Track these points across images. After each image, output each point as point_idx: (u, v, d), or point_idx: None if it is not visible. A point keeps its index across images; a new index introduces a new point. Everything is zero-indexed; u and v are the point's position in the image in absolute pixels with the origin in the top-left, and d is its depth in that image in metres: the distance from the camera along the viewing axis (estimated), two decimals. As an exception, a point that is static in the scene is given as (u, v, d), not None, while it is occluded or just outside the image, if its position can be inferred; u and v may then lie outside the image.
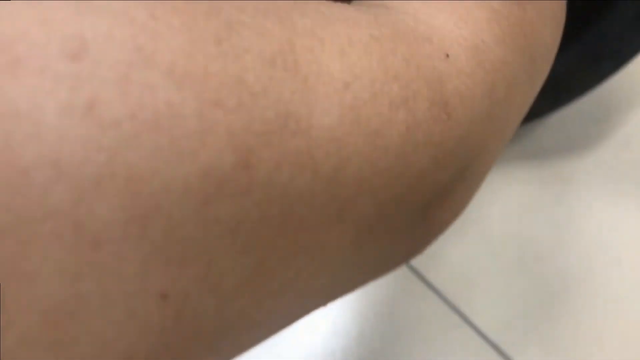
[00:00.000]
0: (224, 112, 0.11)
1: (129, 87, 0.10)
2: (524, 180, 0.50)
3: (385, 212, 0.15)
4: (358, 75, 0.13)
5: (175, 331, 0.12)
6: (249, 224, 0.12)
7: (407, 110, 0.14)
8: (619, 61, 0.45)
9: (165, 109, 0.10)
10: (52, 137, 0.09)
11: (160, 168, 0.10)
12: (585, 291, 0.47)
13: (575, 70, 0.46)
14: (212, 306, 0.12)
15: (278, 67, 0.12)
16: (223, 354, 0.14)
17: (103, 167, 0.10)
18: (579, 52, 0.46)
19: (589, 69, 0.46)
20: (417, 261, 0.47)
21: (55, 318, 0.10)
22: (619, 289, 0.47)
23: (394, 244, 0.17)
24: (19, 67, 0.09)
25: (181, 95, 0.10)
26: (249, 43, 0.12)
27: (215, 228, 0.11)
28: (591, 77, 0.46)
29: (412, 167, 0.15)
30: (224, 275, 0.12)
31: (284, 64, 0.12)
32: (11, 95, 0.09)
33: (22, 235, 0.10)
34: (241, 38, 0.12)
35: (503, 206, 0.49)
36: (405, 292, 0.46)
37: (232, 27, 0.12)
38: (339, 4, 0.15)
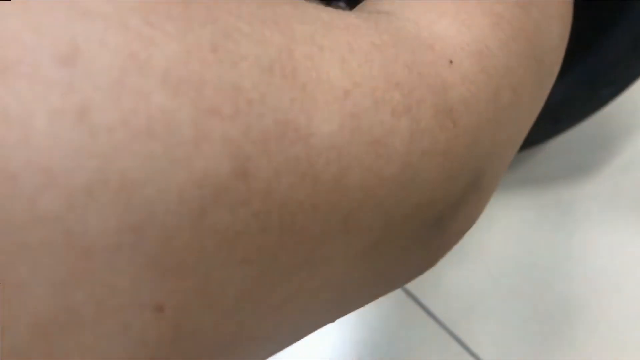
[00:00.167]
0: (220, 119, 0.11)
1: (122, 93, 0.10)
2: (523, 207, 0.50)
3: (393, 223, 0.15)
4: (359, 82, 0.13)
5: (173, 346, 0.12)
6: (248, 235, 0.12)
7: (410, 118, 0.14)
8: (617, 87, 0.45)
9: (159, 116, 0.10)
10: (42, 143, 0.09)
11: (154, 176, 0.10)
12: (585, 317, 0.46)
13: (573, 97, 0.47)
14: (211, 320, 0.12)
15: (276, 75, 0.12)
16: None
17: (95, 174, 0.10)
18: (577, 78, 0.46)
19: (587, 95, 0.46)
20: (416, 287, 0.47)
21: (45, 330, 0.10)
22: (619, 315, 0.46)
23: (406, 257, 0.17)
24: (8, 72, 0.09)
25: (176, 102, 0.10)
26: (246, 50, 0.12)
27: (213, 238, 0.11)
28: (589, 104, 0.46)
29: (418, 177, 0.14)
30: (223, 287, 0.12)
31: (282, 71, 0.12)
32: (0, 99, 0.09)
33: (11, 242, 0.09)
34: (238, 45, 0.12)
35: (502, 232, 0.49)
36: (404, 318, 0.46)
37: (229, 34, 0.12)
38: (339, 12, 0.15)
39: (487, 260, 0.48)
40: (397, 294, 0.46)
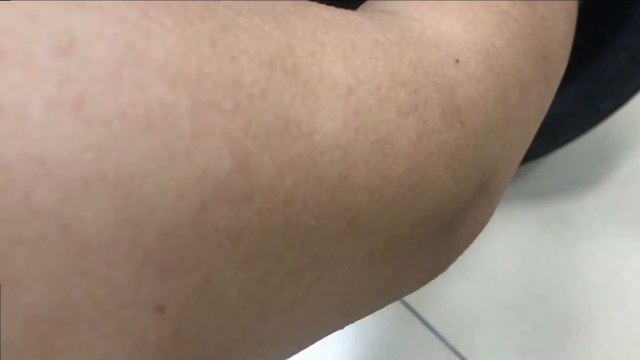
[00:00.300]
0: (220, 113, 0.11)
1: (120, 84, 0.10)
2: (524, 221, 0.50)
3: (401, 226, 0.14)
4: (362, 80, 0.13)
5: (174, 349, 0.11)
6: (250, 234, 0.11)
7: (417, 117, 0.14)
8: (616, 102, 0.45)
9: (157, 108, 0.10)
10: (37, 133, 0.09)
11: (153, 169, 0.10)
12: (586, 332, 0.46)
13: (573, 111, 0.47)
14: (213, 323, 0.12)
15: (276, 70, 0.12)
16: None
17: (91, 166, 0.09)
18: (576, 93, 0.46)
19: (587, 109, 0.46)
20: (417, 302, 0.46)
21: (41, 328, 0.10)
22: (620, 330, 0.46)
23: (415, 261, 0.16)
24: (3, 61, 0.09)
25: (174, 94, 0.10)
26: (246, 45, 0.11)
27: (214, 236, 0.11)
28: (589, 118, 0.46)
29: (426, 178, 0.14)
30: (226, 288, 0.11)
31: (283, 66, 0.12)
32: None
33: (5, 236, 0.09)
34: (237, 40, 0.11)
35: (503, 246, 0.49)
36: (404, 332, 0.46)
37: (228, 29, 0.11)
38: (342, 10, 0.15)
39: (488, 274, 0.48)
40: (397, 308, 0.46)
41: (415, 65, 0.14)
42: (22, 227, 0.09)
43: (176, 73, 0.10)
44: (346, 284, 0.14)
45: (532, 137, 0.20)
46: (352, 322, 0.16)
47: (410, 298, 0.46)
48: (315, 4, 0.14)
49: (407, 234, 0.15)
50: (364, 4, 0.18)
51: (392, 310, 0.46)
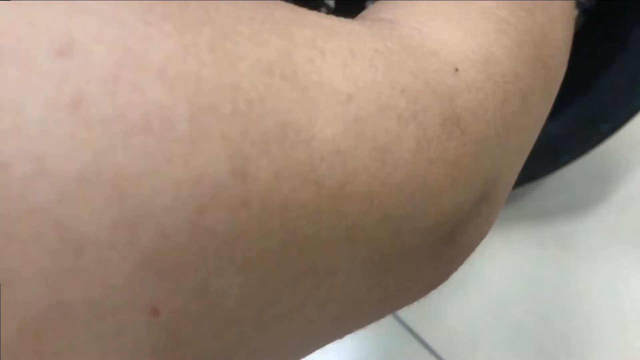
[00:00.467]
0: (218, 117, 0.11)
1: (118, 86, 0.10)
2: (524, 242, 0.50)
3: (401, 235, 0.14)
4: (362, 87, 0.13)
5: (169, 353, 0.11)
6: (248, 239, 0.11)
7: (417, 125, 0.14)
8: (616, 123, 0.45)
9: (155, 111, 0.10)
10: (35, 132, 0.09)
11: (150, 171, 0.10)
12: (587, 354, 0.46)
13: (572, 132, 0.47)
14: (210, 328, 0.12)
15: (275, 76, 0.12)
16: None
17: (88, 166, 0.09)
18: (576, 114, 0.46)
19: (587, 130, 0.46)
20: (416, 322, 0.46)
21: (36, 329, 0.10)
22: (621, 352, 0.46)
23: (416, 270, 0.16)
24: (2, 60, 0.09)
25: (173, 97, 0.10)
26: (244, 51, 0.12)
27: (211, 240, 0.11)
28: (589, 139, 0.47)
29: (426, 187, 0.14)
30: (223, 294, 0.11)
31: (282, 73, 0.12)
32: None
33: (0, 232, 0.09)
34: (236, 46, 0.11)
35: (502, 267, 0.49)
36: (404, 353, 0.45)
37: (227, 35, 0.11)
38: (341, 19, 0.15)
39: (488, 295, 0.47)
40: (396, 329, 0.46)
41: (414, 74, 0.14)
42: (17, 224, 0.09)
43: (174, 76, 0.10)
44: (345, 292, 0.14)
45: (532, 144, 0.20)
46: (352, 332, 0.16)
47: (409, 318, 0.46)
48: (315, 12, 0.14)
49: (408, 243, 0.15)
50: (364, 13, 0.18)
51: (392, 331, 0.46)
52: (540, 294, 0.48)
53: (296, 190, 0.12)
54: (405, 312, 0.43)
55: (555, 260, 0.49)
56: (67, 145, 0.09)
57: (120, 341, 0.10)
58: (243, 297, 0.12)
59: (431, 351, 0.45)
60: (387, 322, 0.45)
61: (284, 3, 0.14)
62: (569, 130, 0.47)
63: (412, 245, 0.15)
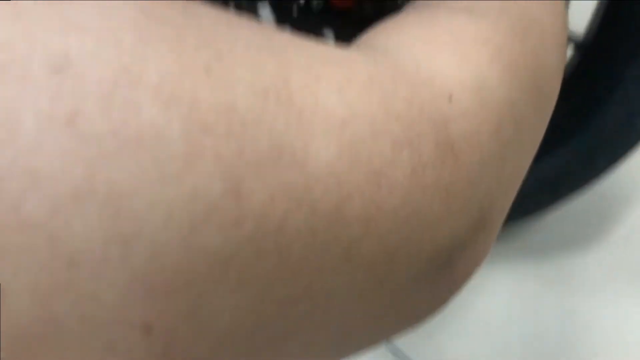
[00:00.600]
0: (213, 137, 0.11)
1: (113, 104, 0.10)
2: (525, 277, 0.49)
3: (397, 259, 0.14)
4: (357, 113, 0.13)
5: None
6: (241, 259, 0.11)
7: (411, 151, 0.14)
8: (613, 158, 0.45)
9: (149, 129, 0.10)
10: (29, 145, 0.09)
11: (143, 188, 0.10)
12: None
13: (570, 168, 0.47)
14: (203, 348, 0.11)
15: (270, 99, 0.12)
16: None
17: (81, 181, 0.09)
18: (573, 150, 0.47)
19: (584, 166, 0.47)
20: (417, 358, 0.46)
21: (27, 341, 0.10)
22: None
23: (413, 295, 0.16)
24: None
25: (167, 116, 0.10)
26: (240, 74, 0.12)
27: (204, 259, 0.11)
28: (586, 174, 0.47)
29: (421, 212, 0.14)
30: (216, 313, 0.11)
31: (277, 96, 0.12)
32: None
33: None
34: (232, 69, 0.12)
35: (503, 303, 0.48)
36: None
37: (222, 58, 0.12)
38: (337, 46, 0.15)
39: (488, 330, 0.47)
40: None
41: (409, 101, 0.14)
42: (9, 237, 0.09)
43: (169, 96, 0.10)
44: (342, 316, 0.14)
45: (526, 169, 0.20)
46: (346, 357, 0.16)
47: (412, 354, 0.45)
48: (312, 39, 0.15)
49: (404, 267, 0.15)
50: (359, 40, 0.19)
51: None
52: (541, 329, 0.47)
53: (291, 212, 0.12)
54: (405, 346, 0.43)
55: (555, 295, 0.49)
56: (61, 160, 0.09)
57: (111, 357, 0.10)
58: (236, 318, 0.12)
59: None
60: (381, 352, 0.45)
61: (281, 30, 0.14)
62: (567, 166, 0.47)
63: (408, 269, 0.15)
